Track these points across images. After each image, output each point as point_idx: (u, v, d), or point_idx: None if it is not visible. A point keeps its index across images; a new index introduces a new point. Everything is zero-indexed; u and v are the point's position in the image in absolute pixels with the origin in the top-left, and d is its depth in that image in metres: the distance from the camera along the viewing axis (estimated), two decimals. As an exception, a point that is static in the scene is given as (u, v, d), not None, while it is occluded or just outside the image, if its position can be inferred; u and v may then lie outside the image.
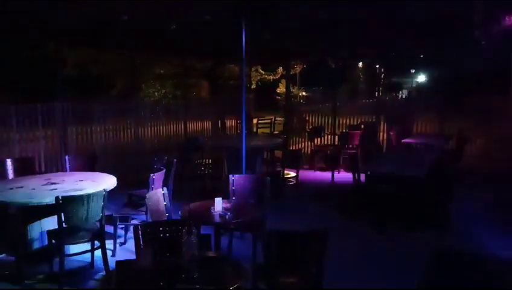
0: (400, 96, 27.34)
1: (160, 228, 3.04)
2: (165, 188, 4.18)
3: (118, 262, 2.87)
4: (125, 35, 6.82)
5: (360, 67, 36.84)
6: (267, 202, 4.45)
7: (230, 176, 4.64)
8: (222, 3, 4.54)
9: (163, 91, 19.02)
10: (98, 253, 4.08)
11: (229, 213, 3.73)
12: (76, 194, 3.87)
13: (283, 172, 6.81)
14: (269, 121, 12.16)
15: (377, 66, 37.45)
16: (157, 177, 4.80)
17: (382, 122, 10.26)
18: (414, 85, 40.91)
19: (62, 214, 3.70)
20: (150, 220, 4.66)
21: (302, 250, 2.80)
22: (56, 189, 4.18)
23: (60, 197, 3.68)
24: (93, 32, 6.48)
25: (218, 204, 3.78)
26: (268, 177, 4.64)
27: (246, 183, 4.64)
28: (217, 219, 3.65)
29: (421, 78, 41.05)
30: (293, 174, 6.95)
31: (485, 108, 9.14)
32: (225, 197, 4.18)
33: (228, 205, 3.97)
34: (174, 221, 3.38)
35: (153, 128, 9.07)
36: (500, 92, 9.35)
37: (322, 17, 5.50)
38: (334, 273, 3.86)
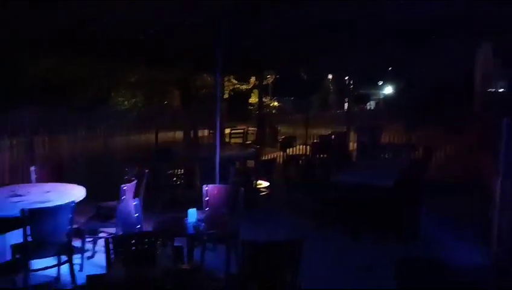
0: (368, 107, 27.98)
1: (133, 241, 2.96)
2: (136, 199, 4.09)
3: (88, 276, 2.77)
4: (96, 43, 6.68)
5: (330, 79, 37.65)
6: (241, 212, 4.43)
7: (204, 186, 4.59)
8: (199, 11, 4.53)
9: (133, 100, 18.67)
10: (64, 268, 3.93)
11: (203, 224, 3.69)
12: (43, 207, 3.73)
13: (256, 182, 6.81)
14: (242, 131, 12.18)
15: (346, 78, 38.35)
16: (129, 188, 4.70)
17: (353, 133, 10.48)
18: (381, 97, 42.11)
19: (28, 227, 3.55)
20: (120, 232, 4.55)
21: (277, 260, 2.80)
22: (21, 201, 4.01)
23: (26, 210, 3.53)
24: (63, 40, 6.32)
25: (192, 215, 3.73)
26: (242, 188, 4.63)
27: (219, 194, 4.60)
28: (191, 230, 3.61)
29: (388, 90, 42.35)
30: (266, 184, 6.96)
31: (450, 119, 9.53)
32: (198, 207, 4.13)
33: (202, 215, 3.93)
34: (147, 233, 3.31)
35: (123, 138, 8.88)
36: (464, 104, 9.81)
37: (298, 29, 5.58)
38: (309, 282, 3.87)
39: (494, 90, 6.15)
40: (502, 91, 4.69)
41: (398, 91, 38.22)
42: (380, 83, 42.34)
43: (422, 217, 5.67)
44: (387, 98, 40.73)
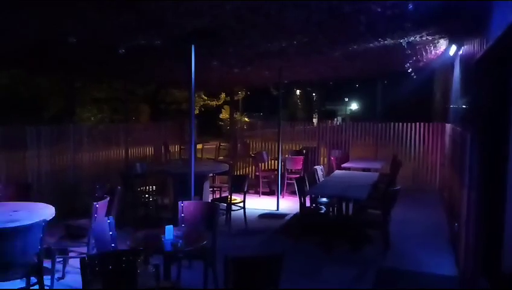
0: (335, 122, 28.76)
1: (111, 259, 2.88)
2: (111, 217, 3.98)
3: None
4: (64, 58, 6.53)
5: (298, 94, 38.33)
6: (217, 228, 4.41)
7: (180, 202, 4.54)
8: (172, 28, 4.55)
9: (99, 116, 18.30)
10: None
11: (180, 241, 3.63)
12: (11, 226, 3.57)
13: (230, 197, 6.79)
14: (214, 146, 12.15)
15: (314, 94, 39.24)
16: (101, 205, 4.57)
17: (323, 148, 10.68)
18: (348, 112, 43.28)
19: (-5, 248, 3.39)
20: (92, 251, 4.40)
21: (261, 275, 2.81)
22: (-14, 221, 3.81)
23: (-6, 230, 3.37)
24: (29, 54, 6.14)
25: (170, 232, 3.67)
26: (218, 203, 4.62)
27: (195, 210, 4.56)
28: (169, 247, 3.54)
29: (354, 106, 43.64)
30: (239, 199, 6.95)
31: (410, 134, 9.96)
32: (171, 224, 4.06)
33: (179, 232, 3.87)
34: (127, 251, 3.21)
35: (91, 154, 8.64)
36: (424, 119, 10.28)
37: (270, 48, 5.71)
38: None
39: (456, 106, 6.47)
40: (464, 107, 4.94)
41: (363, 107, 39.45)
42: (346, 99, 43.52)
43: (392, 228, 5.82)
44: (353, 113, 41.90)
